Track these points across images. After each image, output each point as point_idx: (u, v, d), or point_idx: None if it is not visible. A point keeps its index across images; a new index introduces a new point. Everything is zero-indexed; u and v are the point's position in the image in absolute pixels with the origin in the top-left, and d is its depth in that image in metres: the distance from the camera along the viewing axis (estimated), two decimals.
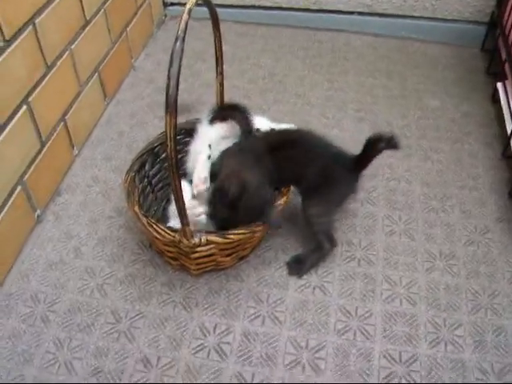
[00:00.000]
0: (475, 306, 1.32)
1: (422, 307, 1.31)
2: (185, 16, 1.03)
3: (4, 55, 1.27)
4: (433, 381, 1.18)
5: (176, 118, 1.01)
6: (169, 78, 0.99)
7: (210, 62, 1.50)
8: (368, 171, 1.58)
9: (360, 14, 2.19)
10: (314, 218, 1.34)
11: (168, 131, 1.01)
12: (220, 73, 1.39)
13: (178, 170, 1.06)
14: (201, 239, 1.20)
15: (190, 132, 1.43)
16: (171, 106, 0.99)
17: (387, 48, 2.17)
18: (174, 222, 1.28)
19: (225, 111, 1.40)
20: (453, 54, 2.14)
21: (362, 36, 2.23)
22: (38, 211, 1.48)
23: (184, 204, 1.12)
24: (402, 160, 1.69)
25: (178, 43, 1.00)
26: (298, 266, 1.38)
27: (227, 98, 1.50)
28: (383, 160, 1.67)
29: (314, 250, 1.37)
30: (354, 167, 1.35)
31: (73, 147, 1.65)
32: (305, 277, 1.37)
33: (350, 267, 1.40)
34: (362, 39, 2.22)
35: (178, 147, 1.43)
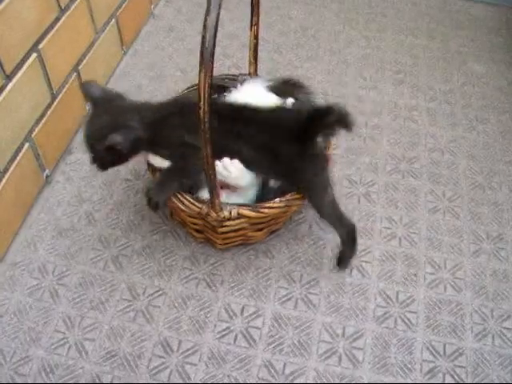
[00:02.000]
0: None
1: (467, 294, 1.21)
2: None
3: None
4: (478, 378, 1.09)
5: (212, 76, 0.86)
6: (205, 28, 0.84)
7: (234, 12, 1.35)
8: (409, 139, 1.46)
9: None
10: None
11: (202, 91, 0.86)
12: (255, 23, 1.23)
13: (211, 135, 0.92)
14: (231, 212, 1.07)
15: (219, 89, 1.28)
16: (207, 62, 0.84)
17: (428, 5, 2.02)
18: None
19: (288, 87, 1.24)
20: (500, 16, 1.99)
21: None
22: (47, 171, 1.36)
23: (214, 174, 0.98)
24: (446, 129, 1.56)
25: None
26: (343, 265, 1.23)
27: None
28: (425, 128, 1.55)
29: (342, 245, 1.21)
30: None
31: (86, 101, 1.50)
32: None
33: (391, 247, 1.28)
34: None
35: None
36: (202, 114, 0.87)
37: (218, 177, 1.03)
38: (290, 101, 1.22)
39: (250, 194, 1.15)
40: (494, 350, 1.12)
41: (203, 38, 0.83)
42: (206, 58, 0.84)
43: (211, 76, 0.85)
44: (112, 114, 1.10)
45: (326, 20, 1.92)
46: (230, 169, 1.08)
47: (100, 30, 1.53)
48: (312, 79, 1.66)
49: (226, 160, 1.08)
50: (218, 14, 0.83)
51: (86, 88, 1.14)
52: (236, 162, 1.09)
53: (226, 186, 1.12)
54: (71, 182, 1.37)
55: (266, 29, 1.77)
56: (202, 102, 0.86)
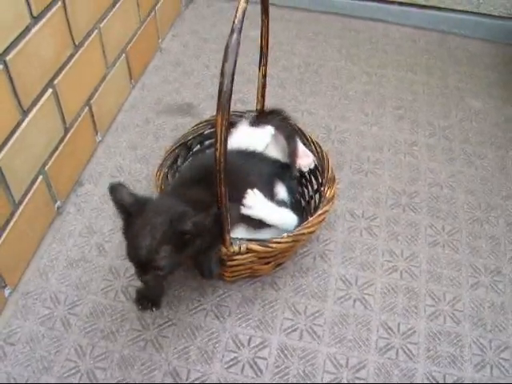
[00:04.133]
0: None
1: (466, 326, 1.24)
2: (242, 4, 0.91)
3: (32, 33, 1.17)
4: None
5: (229, 119, 0.90)
6: (222, 75, 0.88)
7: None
8: (409, 174, 1.50)
9: (400, 4, 2.08)
10: None
11: (219, 133, 0.91)
12: (264, 64, 1.28)
13: (226, 175, 0.96)
14: (240, 247, 1.10)
15: None
16: (223, 106, 0.89)
17: (427, 41, 2.07)
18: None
19: (268, 116, 1.30)
20: (497, 53, 2.04)
21: (400, 27, 2.12)
22: (59, 202, 1.39)
23: (227, 211, 1.02)
24: (445, 164, 1.60)
25: (235, 35, 0.89)
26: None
27: None
28: (425, 163, 1.59)
29: None
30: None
31: (96, 134, 1.55)
32: (344, 288, 1.29)
33: (392, 279, 1.31)
34: (400, 31, 2.11)
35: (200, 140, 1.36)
36: (218, 155, 0.91)
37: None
38: (269, 129, 1.30)
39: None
40: (493, 381, 1.15)
41: (221, 83, 0.88)
42: (224, 101, 0.88)
43: (228, 119, 0.89)
44: (159, 214, 1.02)
45: (328, 56, 1.97)
46: (254, 205, 1.13)
47: (111, 65, 1.57)
48: (315, 114, 1.70)
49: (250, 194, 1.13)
50: (236, 61, 0.87)
51: (116, 194, 1.03)
52: (257, 193, 1.14)
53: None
54: (82, 213, 1.40)
55: (270, 64, 1.80)
56: (218, 144, 0.90)
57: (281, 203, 1.22)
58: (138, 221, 1.01)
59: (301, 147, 1.32)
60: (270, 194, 1.21)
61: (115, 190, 1.02)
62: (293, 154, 1.29)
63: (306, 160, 1.31)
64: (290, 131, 1.32)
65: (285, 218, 1.20)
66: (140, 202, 1.03)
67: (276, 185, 1.26)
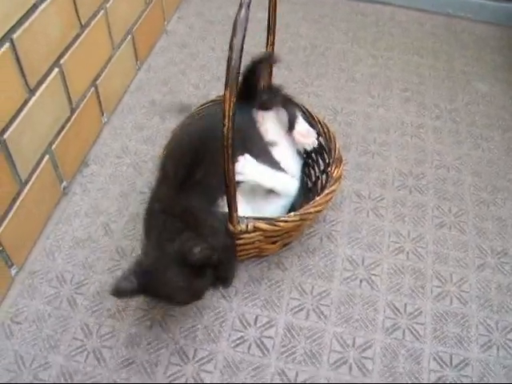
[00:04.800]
0: None
1: (473, 307, 1.24)
2: None
3: (38, 11, 1.16)
4: None
5: (236, 95, 0.90)
6: (231, 49, 0.87)
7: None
8: (416, 155, 1.50)
9: None
10: None
11: (226, 108, 0.90)
12: (271, 43, 1.28)
13: (233, 151, 0.95)
14: (247, 225, 1.10)
15: None
16: (232, 81, 0.88)
17: (433, 25, 2.07)
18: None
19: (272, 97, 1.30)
20: (502, 36, 2.03)
21: (407, 11, 2.12)
22: (65, 183, 1.39)
23: (235, 188, 1.02)
24: (452, 147, 1.60)
25: (243, 11, 0.88)
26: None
27: None
28: (431, 145, 1.59)
29: None
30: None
31: (102, 114, 1.54)
32: (351, 268, 1.28)
33: (399, 260, 1.31)
34: (407, 14, 2.10)
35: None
36: (225, 131, 0.91)
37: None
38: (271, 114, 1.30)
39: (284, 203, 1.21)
40: (499, 361, 1.15)
41: (229, 58, 0.87)
42: (232, 77, 0.88)
43: (236, 95, 0.89)
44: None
45: (334, 38, 1.97)
46: (245, 170, 1.12)
47: (117, 46, 1.57)
48: (322, 96, 1.70)
49: (240, 160, 1.12)
50: (244, 36, 0.87)
51: (122, 294, 1.04)
52: (248, 158, 1.13)
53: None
54: (88, 194, 1.40)
55: (276, 46, 1.81)
56: (226, 120, 0.90)
57: (277, 166, 1.21)
58: (156, 280, 1.03)
59: (305, 125, 1.31)
60: (270, 161, 1.21)
61: (118, 293, 1.02)
62: (292, 118, 1.29)
63: (309, 138, 1.30)
64: (290, 105, 1.32)
65: (282, 181, 1.20)
66: (143, 270, 1.03)
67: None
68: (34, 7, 1.15)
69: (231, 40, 0.88)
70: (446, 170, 1.53)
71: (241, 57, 0.88)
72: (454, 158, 1.56)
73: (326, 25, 2.02)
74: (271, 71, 1.35)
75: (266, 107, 1.30)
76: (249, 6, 0.89)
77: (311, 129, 1.32)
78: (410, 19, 2.09)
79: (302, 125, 1.31)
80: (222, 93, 0.91)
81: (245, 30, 0.88)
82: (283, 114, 1.31)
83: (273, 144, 1.25)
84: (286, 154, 1.28)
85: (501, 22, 2.06)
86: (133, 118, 1.61)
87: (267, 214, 1.15)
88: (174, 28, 1.95)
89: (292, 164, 1.29)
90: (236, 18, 0.88)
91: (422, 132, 1.63)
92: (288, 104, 1.32)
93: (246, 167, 1.13)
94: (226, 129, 0.92)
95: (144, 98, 1.67)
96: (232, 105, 0.90)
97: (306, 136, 1.30)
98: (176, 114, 1.61)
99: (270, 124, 1.29)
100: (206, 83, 1.73)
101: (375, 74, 1.83)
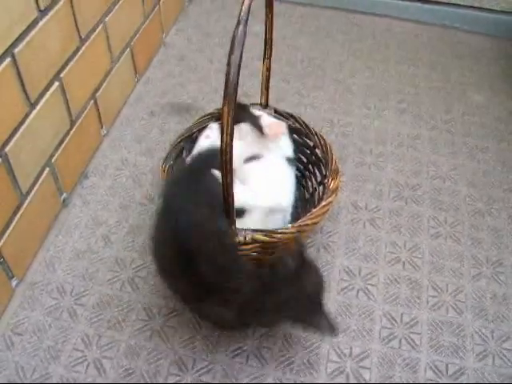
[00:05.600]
0: None
1: (468, 316, 1.25)
2: None
3: (39, 26, 1.18)
4: None
5: (234, 110, 0.91)
6: (229, 65, 0.89)
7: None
8: (412, 166, 1.52)
9: None
10: None
11: (225, 124, 0.91)
12: (268, 57, 1.29)
13: (232, 166, 0.97)
14: (245, 237, 1.11)
15: None
16: (230, 96, 0.90)
17: (429, 36, 2.08)
18: None
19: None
20: (499, 48, 2.05)
21: (403, 22, 2.13)
22: (65, 195, 1.40)
23: (233, 201, 1.03)
24: (447, 157, 1.61)
25: (241, 27, 0.90)
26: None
27: None
28: (427, 156, 1.60)
29: None
30: None
31: (101, 127, 1.56)
32: (348, 278, 1.30)
33: (395, 270, 1.32)
34: (403, 26, 2.12)
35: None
36: (224, 145, 0.92)
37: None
38: (243, 125, 1.30)
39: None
40: (495, 370, 1.16)
41: (227, 73, 0.89)
42: (230, 92, 0.89)
43: (234, 109, 0.90)
44: None
45: (331, 50, 1.98)
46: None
47: (116, 59, 1.58)
48: (318, 108, 1.72)
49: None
50: (242, 52, 0.89)
51: None
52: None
53: None
54: (88, 206, 1.42)
55: (273, 59, 1.81)
56: (224, 135, 0.91)
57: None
58: None
59: (270, 118, 1.32)
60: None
61: None
62: (255, 120, 1.30)
63: (280, 127, 1.31)
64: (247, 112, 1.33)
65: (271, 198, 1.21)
66: None
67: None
68: (35, 22, 1.17)
69: (229, 56, 0.89)
70: (441, 180, 1.54)
71: (239, 72, 0.90)
72: (449, 168, 1.58)
73: (323, 37, 2.04)
74: (268, 85, 1.36)
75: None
76: (246, 22, 0.91)
77: (279, 120, 1.33)
78: (405, 31, 2.11)
79: (266, 118, 1.31)
80: (220, 105, 0.93)
81: (242, 45, 0.90)
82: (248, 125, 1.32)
83: (257, 157, 1.26)
84: (273, 163, 1.29)
85: (496, 34, 2.08)
86: (132, 130, 1.63)
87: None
88: (172, 40, 1.97)
89: (282, 173, 1.29)
90: (234, 34, 0.90)
91: (417, 143, 1.65)
92: (245, 112, 1.33)
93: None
94: (224, 144, 0.93)
95: (143, 111, 1.69)
96: (230, 119, 0.91)
97: (277, 127, 1.30)
98: (177, 115, 1.62)
99: (248, 138, 1.30)
100: (204, 95, 1.74)
101: (371, 85, 1.85)
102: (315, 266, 1.11)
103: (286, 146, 1.32)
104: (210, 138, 1.31)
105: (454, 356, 1.18)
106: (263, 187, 1.22)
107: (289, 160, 1.33)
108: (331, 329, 1.08)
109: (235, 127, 1.18)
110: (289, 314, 1.08)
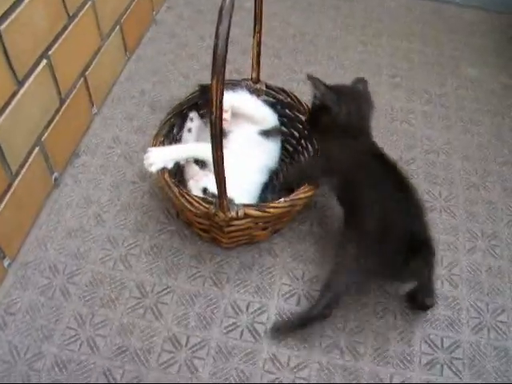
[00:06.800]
0: None
1: (463, 290, 1.25)
2: None
3: (25, 2, 1.16)
4: (475, 369, 1.13)
5: (224, 83, 0.90)
6: (217, 37, 0.88)
7: (233, 19, 1.41)
8: (406, 141, 1.51)
9: None
10: None
11: (214, 97, 0.90)
12: (258, 31, 1.28)
13: (222, 139, 0.96)
14: (238, 212, 1.11)
15: None
16: (219, 69, 0.88)
17: (422, 11, 2.07)
18: (193, 183, 1.23)
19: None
20: (492, 21, 2.04)
21: None
22: (56, 174, 1.39)
23: (224, 175, 1.02)
24: (441, 131, 1.60)
25: None
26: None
27: None
28: (421, 131, 1.59)
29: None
30: None
31: (92, 105, 1.54)
32: None
33: None
34: (395, 0, 2.09)
35: None
36: (214, 119, 0.91)
37: None
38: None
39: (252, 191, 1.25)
40: (490, 343, 1.17)
41: (215, 45, 0.87)
42: (218, 64, 0.88)
43: (223, 82, 0.89)
44: None
45: (323, 26, 1.96)
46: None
47: (105, 37, 1.56)
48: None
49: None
50: (230, 23, 0.87)
51: None
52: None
53: None
54: (79, 185, 1.41)
55: (265, 34, 1.80)
56: (214, 108, 0.90)
57: None
58: None
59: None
60: None
61: None
62: None
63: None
64: None
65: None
66: None
67: None
68: None
69: (217, 28, 0.88)
70: (435, 154, 1.54)
71: (227, 45, 0.88)
72: (443, 142, 1.57)
73: (315, 12, 2.02)
74: (259, 60, 1.35)
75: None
76: None
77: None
78: (398, 5, 2.09)
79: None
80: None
81: (230, 17, 0.88)
82: None
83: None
84: (233, 150, 1.28)
85: (489, 8, 2.06)
86: (123, 108, 1.61)
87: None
88: (162, 18, 1.94)
89: (242, 159, 1.29)
90: (221, 5, 0.88)
91: (411, 117, 1.64)
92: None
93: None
94: (214, 117, 0.92)
95: (134, 89, 1.67)
96: (220, 93, 0.90)
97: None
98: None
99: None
100: (195, 72, 1.72)
101: (364, 60, 1.84)
102: None
103: (262, 119, 1.32)
104: (191, 131, 1.34)
105: (449, 329, 1.19)
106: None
107: (264, 133, 1.33)
108: None
109: None
110: None
